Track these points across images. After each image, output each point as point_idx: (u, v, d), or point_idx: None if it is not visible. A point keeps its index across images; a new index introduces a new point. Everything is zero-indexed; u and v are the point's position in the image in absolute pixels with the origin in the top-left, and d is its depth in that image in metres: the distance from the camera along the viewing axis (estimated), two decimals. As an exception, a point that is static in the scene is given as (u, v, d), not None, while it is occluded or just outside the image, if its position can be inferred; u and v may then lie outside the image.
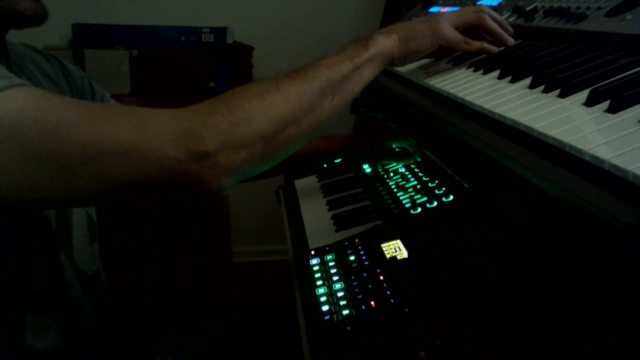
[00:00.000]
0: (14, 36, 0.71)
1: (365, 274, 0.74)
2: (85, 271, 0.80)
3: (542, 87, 0.57)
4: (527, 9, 0.81)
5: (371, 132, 1.12)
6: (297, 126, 0.56)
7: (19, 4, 0.60)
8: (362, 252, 0.80)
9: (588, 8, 0.68)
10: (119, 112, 0.50)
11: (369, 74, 0.64)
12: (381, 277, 0.72)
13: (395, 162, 1.08)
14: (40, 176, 0.46)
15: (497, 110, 0.56)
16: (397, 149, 1.06)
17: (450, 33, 0.71)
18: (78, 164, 0.46)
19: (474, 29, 0.75)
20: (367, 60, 0.63)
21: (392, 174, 1.04)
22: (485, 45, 0.74)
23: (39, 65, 0.77)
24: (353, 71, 0.62)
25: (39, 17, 0.63)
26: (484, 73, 0.70)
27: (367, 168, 1.13)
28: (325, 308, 0.70)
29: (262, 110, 0.53)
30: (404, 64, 0.71)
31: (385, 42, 0.66)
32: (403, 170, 1.04)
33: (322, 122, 0.59)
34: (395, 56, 0.68)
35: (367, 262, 0.77)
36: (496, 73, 0.68)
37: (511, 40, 0.76)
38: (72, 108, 0.49)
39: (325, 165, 1.24)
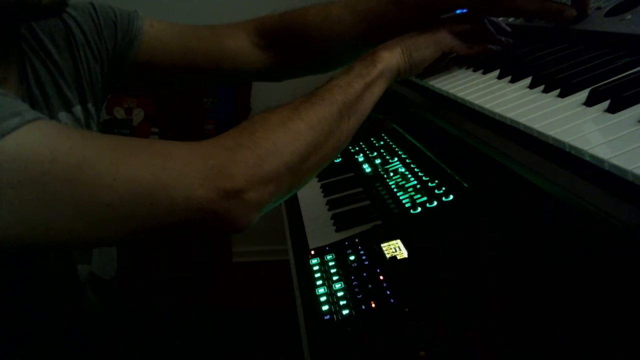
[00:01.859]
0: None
1: (365, 274, 0.74)
2: (103, 276, 0.79)
3: (542, 86, 0.57)
4: (527, 8, 0.81)
5: None
6: (320, 152, 0.56)
7: None
8: (362, 252, 0.80)
9: (588, 8, 0.68)
10: (143, 149, 0.47)
11: (378, 90, 0.65)
12: (381, 277, 0.72)
13: None
14: (58, 221, 0.43)
15: (497, 110, 0.56)
16: None
17: (451, 40, 0.72)
18: (101, 207, 0.43)
19: (472, 34, 0.75)
20: (376, 77, 0.64)
21: (392, 174, 1.04)
22: (487, 47, 0.74)
23: (52, 35, 0.68)
24: (365, 89, 0.62)
25: (58, 7, 0.57)
26: (484, 73, 0.70)
27: (367, 168, 1.13)
28: (325, 308, 0.70)
29: (289, 141, 0.52)
30: (409, 75, 0.71)
31: (391, 57, 0.66)
32: (403, 170, 1.04)
33: (342, 145, 0.60)
34: (401, 69, 0.68)
35: (367, 262, 0.77)
36: (496, 73, 0.68)
37: (509, 42, 0.76)
38: (92, 147, 0.45)
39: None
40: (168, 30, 0.77)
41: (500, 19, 0.84)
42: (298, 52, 0.82)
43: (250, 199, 0.48)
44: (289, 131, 0.53)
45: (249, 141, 0.50)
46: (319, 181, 1.19)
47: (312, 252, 0.86)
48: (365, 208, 0.98)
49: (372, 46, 0.69)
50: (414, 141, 1.11)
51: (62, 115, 0.66)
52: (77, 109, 0.68)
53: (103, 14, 0.72)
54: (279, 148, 0.51)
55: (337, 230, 0.92)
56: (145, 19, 0.76)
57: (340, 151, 0.61)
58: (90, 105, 0.71)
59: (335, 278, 0.76)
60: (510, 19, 0.84)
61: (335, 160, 1.26)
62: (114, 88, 0.77)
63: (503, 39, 0.75)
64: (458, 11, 0.87)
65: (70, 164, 0.43)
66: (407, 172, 1.02)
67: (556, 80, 0.56)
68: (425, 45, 0.70)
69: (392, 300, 0.66)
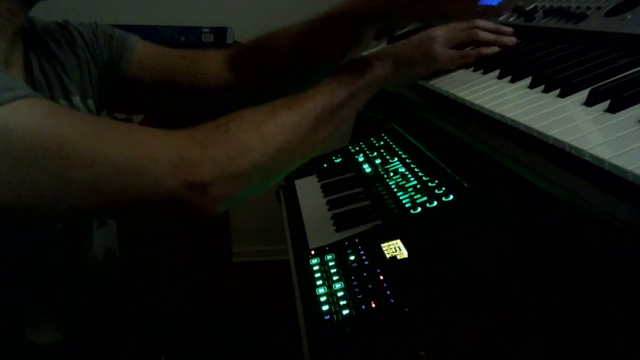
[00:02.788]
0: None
1: (365, 274, 0.74)
2: (94, 256, 0.81)
3: (542, 87, 0.57)
4: (527, 8, 0.81)
5: None
6: (290, 156, 0.58)
7: None
8: (362, 252, 0.80)
9: (588, 8, 0.68)
10: (122, 135, 0.51)
11: (362, 100, 0.65)
12: (381, 277, 0.72)
13: None
14: (41, 191, 0.47)
15: (497, 110, 0.56)
16: None
17: (444, 56, 0.71)
18: (78, 183, 0.47)
19: (468, 44, 0.75)
20: (362, 88, 0.64)
21: (392, 174, 1.04)
22: (483, 51, 0.74)
23: (57, 39, 0.73)
24: (348, 99, 0.62)
25: None
26: (484, 73, 0.70)
27: (367, 168, 1.13)
28: (325, 308, 0.70)
29: (259, 143, 0.54)
30: (396, 88, 0.72)
31: (381, 70, 0.66)
32: (403, 170, 1.04)
33: (314, 149, 0.61)
34: (388, 82, 0.68)
35: (367, 262, 0.77)
36: (496, 73, 0.68)
37: (511, 41, 0.76)
38: (76, 127, 0.49)
39: (325, 165, 1.24)
40: (157, 50, 0.83)
41: (501, 18, 0.85)
42: (263, 71, 0.82)
43: (215, 193, 0.51)
44: (261, 133, 0.55)
45: (220, 138, 0.53)
46: (319, 181, 1.19)
47: (312, 252, 0.86)
48: (365, 208, 0.98)
49: (322, 66, 0.69)
50: (414, 141, 1.11)
51: (62, 102, 0.69)
52: (77, 99, 0.71)
53: (102, 28, 0.79)
54: (248, 148, 0.53)
55: (337, 230, 0.92)
56: (140, 40, 0.81)
57: (314, 154, 0.62)
58: (90, 102, 0.74)
59: (335, 278, 0.76)
60: (511, 18, 0.84)
61: (336, 160, 1.26)
62: (108, 102, 0.81)
63: (505, 40, 0.75)
64: (485, 2, 0.86)
65: (54, 142, 0.46)
66: (407, 172, 1.02)
67: (556, 80, 0.56)
68: (417, 64, 0.69)
69: (392, 300, 0.66)
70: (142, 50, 0.80)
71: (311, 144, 0.60)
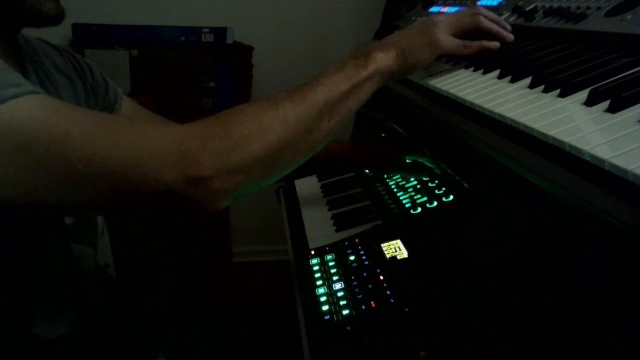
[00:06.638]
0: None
1: (365, 274, 0.74)
2: (98, 261, 0.83)
3: (542, 86, 0.57)
4: (527, 8, 0.81)
5: (384, 143, 1.09)
6: (293, 149, 0.56)
7: (44, 5, 0.64)
8: (362, 252, 0.80)
9: (588, 8, 0.68)
10: (123, 129, 0.51)
11: (366, 92, 0.64)
12: (381, 277, 0.72)
13: (409, 175, 1.02)
14: (44, 185, 0.47)
15: (497, 110, 0.56)
16: (410, 162, 1.03)
17: (447, 42, 0.71)
18: (80, 177, 0.47)
19: (470, 32, 0.75)
20: (365, 79, 0.62)
21: (392, 174, 1.04)
22: (485, 43, 0.74)
23: (54, 60, 0.78)
24: (351, 91, 0.61)
25: (59, 18, 0.67)
26: (484, 73, 0.70)
27: (367, 168, 1.13)
28: (325, 308, 0.70)
29: (260, 135, 0.53)
30: (403, 77, 0.71)
31: (384, 59, 0.65)
32: (403, 170, 1.04)
33: (319, 144, 0.59)
34: (394, 72, 0.67)
35: (367, 262, 0.77)
36: (496, 73, 0.68)
37: (510, 37, 0.76)
38: (78, 121, 0.49)
39: (325, 165, 1.24)
40: (137, 105, 0.95)
41: (503, 17, 0.85)
42: None
43: (216, 187, 0.50)
44: (262, 126, 0.54)
45: (221, 131, 0.52)
46: (319, 181, 1.19)
47: (312, 252, 0.86)
48: (365, 208, 0.98)
49: None
50: (414, 141, 1.11)
51: None
52: None
53: (98, 73, 0.88)
54: (248, 141, 0.52)
55: (337, 230, 0.92)
56: (123, 94, 0.93)
57: (319, 148, 0.60)
58: None
59: (335, 278, 0.76)
60: (511, 18, 0.84)
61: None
62: None
63: (505, 33, 0.75)
64: (485, 2, 0.87)
65: (58, 136, 0.47)
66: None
67: (556, 80, 0.56)
68: (421, 49, 0.69)
69: (392, 300, 0.66)
70: (127, 100, 0.92)
71: (314, 138, 0.58)
